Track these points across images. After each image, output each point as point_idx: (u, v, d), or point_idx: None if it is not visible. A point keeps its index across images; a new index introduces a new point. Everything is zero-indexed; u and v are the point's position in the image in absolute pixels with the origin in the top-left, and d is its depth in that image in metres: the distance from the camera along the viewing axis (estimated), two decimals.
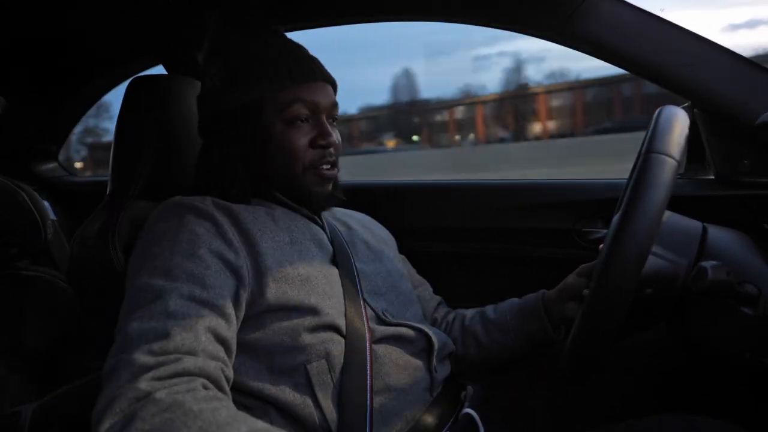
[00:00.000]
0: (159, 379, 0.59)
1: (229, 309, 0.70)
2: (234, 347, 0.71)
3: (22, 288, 1.24)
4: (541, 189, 1.26)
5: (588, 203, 1.19)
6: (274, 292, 0.74)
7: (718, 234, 0.74)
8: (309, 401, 0.72)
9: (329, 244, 0.87)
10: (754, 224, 0.88)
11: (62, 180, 1.78)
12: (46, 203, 1.34)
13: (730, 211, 0.96)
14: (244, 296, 0.73)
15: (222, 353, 0.67)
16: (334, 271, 0.83)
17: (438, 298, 1.08)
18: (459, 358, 0.97)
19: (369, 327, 0.79)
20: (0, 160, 1.62)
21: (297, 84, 0.84)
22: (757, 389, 0.96)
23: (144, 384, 0.58)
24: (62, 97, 1.61)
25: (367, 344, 0.77)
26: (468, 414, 0.82)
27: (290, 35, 0.94)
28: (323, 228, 0.89)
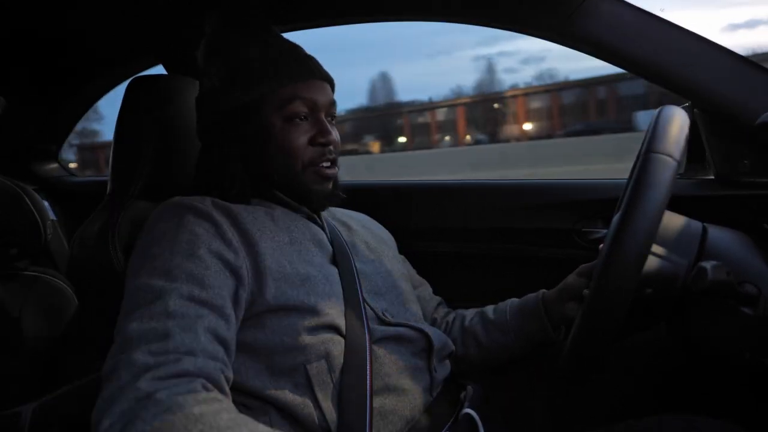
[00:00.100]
0: (159, 379, 0.59)
1: (229, 309, 0.70)
2: (234, 347, 0.70)
3: (22, 288, 1.24)
4: (541, 189, 1.26)
5: (588, 203, 1.19)
6: (273, 292, 0.74)
7: (718, 234, 0.74)
8: (309, 401, 0.72)
9: (329, 244, 0.87)
10: (754, 224, 0.88)
11: (62, 180, 1.78)
12: (46, 203, 1.34)
13: (730, 211, 0.96)
14: (244, 296, 0.73)
15: (221, 353, 0.67)
16: (334, 271, 0.83)
17: (438, 298, 1.08)
18: (459, 359, 0.97)
19: (369, 327, 0.79)
20: (0, 160, 1.62)
21: (296, 82, 0.84)
22: (757, 389, 0.96)
23: (144, 384, 0.58)
24: (62, 97, 1.61)
25: (367, 344, 0.77)
26: (468, 414, 0.82)
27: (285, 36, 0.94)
28: (323, 228, 0.89)
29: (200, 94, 0.90)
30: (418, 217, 1.33)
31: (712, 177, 1.06)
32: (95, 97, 1.66)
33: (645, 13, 0.97)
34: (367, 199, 1.12)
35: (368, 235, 0.98)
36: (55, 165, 1.81)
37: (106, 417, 0.57)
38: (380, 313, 0.84)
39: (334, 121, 0.89)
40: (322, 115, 0.86)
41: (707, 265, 0.65)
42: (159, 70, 1.45)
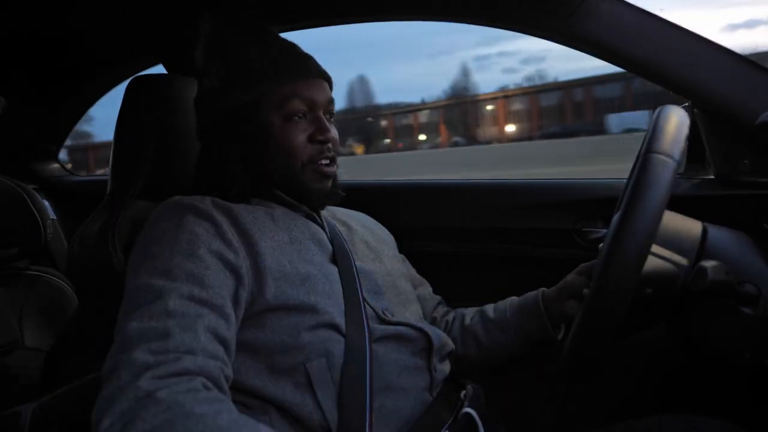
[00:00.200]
0: (159, 378, 0.59)
1: (229, 309, 0.70)
2: (233, 347, 0.70)
3: (23, 288, 1.24)
4: (541, 189, 1.26)
5: (588, 203, 1.19)
6: (273, 291, 0.74)
7: (718, 234, 0.74)
8: (309, 400, 0.72)
9: (329, 243, 0.87)
10: (754, 224, 0.88)
11: (62, 180, 1.78)
12: (46, 203, 1.34)
13: (730, 210, 0.96)
14: (244, 296, 0.73)
15: (221, 353, 0.67)
16: (334, 270, 0.83)
17: (437, 297, 1.08)
18: (459, 358, 0.97)
19: (369, 326, 0.79)
20: (0, 160, 1.62)
21: (295, 81, 0.85)
22: (757, 389, 0.96)
23: (144, 383, 0.58)
24: (62, 97, 1.61)
25: (367, 343, 0.77)
26: (468, 413, 0.82)
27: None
28: (323, 227, 0.89)
29: (199, 95, 0.90)
30: (415, 216, 1.33)
31: (712, 177, 1.06)
32: (95, 97, 1.66)
33: (645, 13, 0.97)
34: (364, 198, 1.12)
35: (368, 234, 0.98)
36: (55, 165, 1.81)
37: (106, 416, 0.57)
38: (380, 313, 0.84)
39: (332, 119, 0.90)
40: (321, 113, 0.86)
41: (707, 264, 0.65)
42: (159, 69, 1.45)
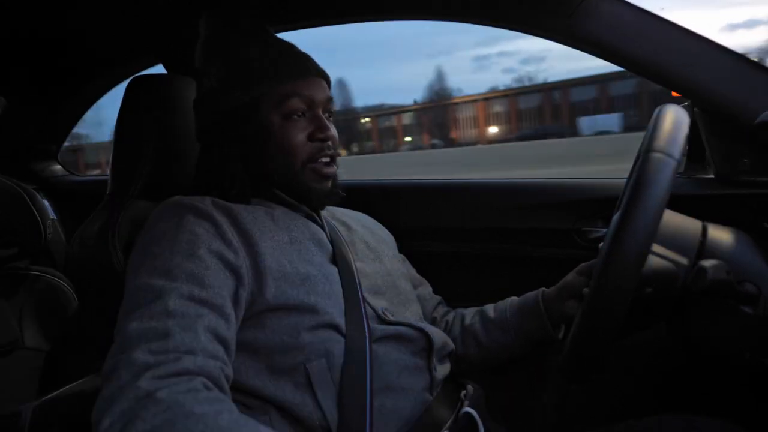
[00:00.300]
0: (159, 378, 0.59)
1: (229, 308, 0.70)
2: (234, 347, 0.70)
3: (22, 288, 1.24)
4: (541, 189, 1.25)
5: (588, 203, 1.19)
6: (273, 291, 0.74)
7: (718, 233, 0.74)
8: (309, 400, 0.72)
9: (329, 243, 0.87)
10: (754, 223, 0.88)
11: (62, 180, 1.78)
12: (46, 203, 1.34)
13: (730, 210, 0.96)
14: (244, 296, 0.73)
15: (221, 353, 0.67)
16: (334, 270, 0.83)
17: (437, 297, 1.08)
18: (459, 358, 0.97)
19: (369, 326, 0.79)
20: (0, 160, 1.62)
21: (295, 80, 0.85)
22: (757, 389, 0.96)
23: (144, 383, 0.58)
24: (62, 97, 1.61)
25: (367, 343, 0.77)
26: (468, 413, 0.82)
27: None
28: (322, 227, 0.89)
29: (199, 95, 0.90)
30: (415, 216, 1.33)
31: (712, 176, 1.06)
32: (95, 97, 1.66)
33: (645, 13, 0.97)
34: (364, 198, 1.12)
35: (368, 234, 0.98)
36: (55, 165, 1.81)
37: (106, 416, 0.57)
38: (380, 313, 0.84)
39: (331, 118, 0.90)
40: (320, 112, 0.87)
41: (707, 264, 0.65)
42: (159, 69, 1.45)
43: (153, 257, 0.72)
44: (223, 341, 0.68)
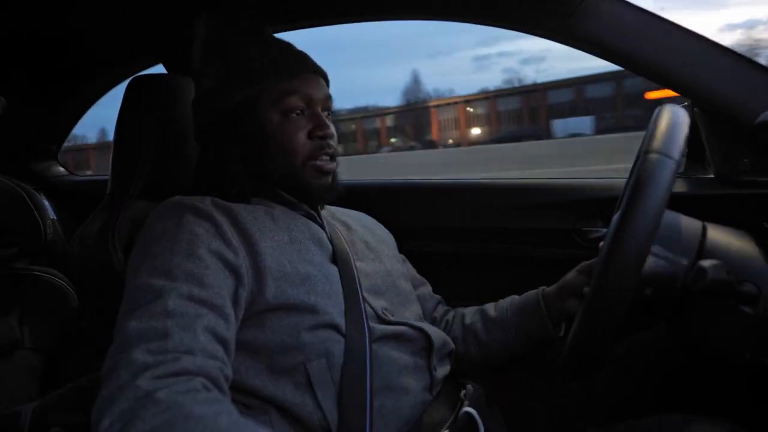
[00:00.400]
0: (158, 378, 0.59)
1: (228, 308, 0.70)
2: (233, 347, 0.70)
3: (22, 288, 1.24)
4: (541, 189, 1.25)
5: (588, 203, 1.19)
6: (273, 291, 0.74)
7: (717, 233, 0.74)
8: (309, 400, 0.72)
9: (329, 243, 0.87)
10: (754, 223, 0.88)
11: (62, 180, 1.78)
12: (46, 203, 1.34)
13: (730, 210, 0.96)
14: (244, 296, 0.73)
15: (221, 352, 0.67)
16: (334, 270, 0.83)
17: (437, 297, 1.08)
18: (459, 357, 0.97)
19: (368, 326, 0.79)
20: (0, 160, 1.62)
21: (293, 77, 0.85)
22: (757, 389, 0.96)
23: (143, 383, 0.58)
24: (62, 97, 1.61)
25: (367, 343, 0.77)
26: (468, 413, 0.82)
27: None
28: (322, 227, 0.89)
29: (197, 97, 0.91)
30: (415, 216, 1.33)
31: (712, 176, 1.06)
32: (95, 97, 1.66)
33: (645, 13, 0.97)
34: (364, 198, 1.12)
35: (368, 234, 0.98)
36: (55, 164, 1.81)
37: (105, 416, 0.57)
38: (380, 312, 0.84)
39: (330, 116, 0.90)
40: (319, 109, 0.87)
41: (707, 264, 0.65)
42: (159, 69, 1.45)
43: (153, 257, 0.72)
44: (222, 341, 0.68)
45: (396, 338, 0.82)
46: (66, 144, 1.86)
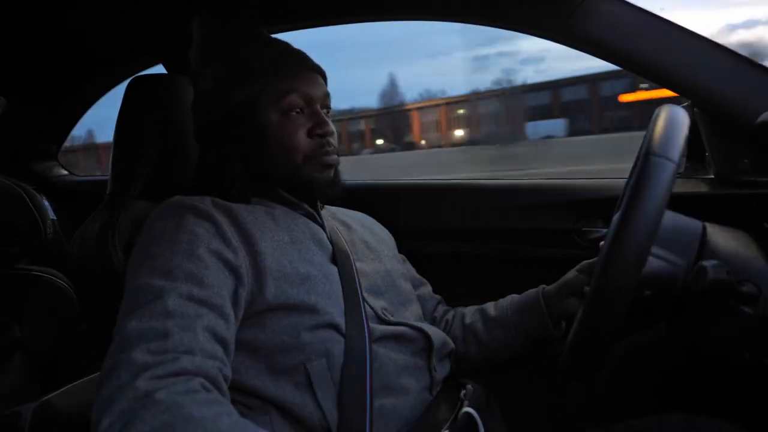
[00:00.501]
0: (157, 378, 0.59)
1: (228, 308, 0.70)
2: (233, 347, 0.70)
3: (22, 288, 1.24)
4: (541, 189, 1.25)
5: (588, 203, 1.19)
6: (273, 291, 0.74)
7: (718, 233, 0.74)
8: (309, 400, 0.72)
9: (329, 243, 0.87)
10: (754, 223, 0.88)
11: (62, 180, 1.79)
12: (46, 203, 1.34)
13: (730, 210, 0.96)
14: (244, 296, 0.73)
15: (220, 353, 0.67)
16: (334, 270, 0.83)
17: (437, 297, 1.08)
18: (459, 357, 0.97)
19: (368, 326, 0.79)
20: (0, 160, 1.62)
21: (292, 76, 0.85)
22: (757, 389, 0.96)
23: (143, 383, 0.58)
24: (62, 97, 1.61)
25: (367, 343, 0.77)
26: (468, 413, 0.82)
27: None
28: (323, 227, 0.89)
29: (196, 98, 0.91)
30: (415, 216, 1.33)
31: (712, 176, 1.06)
32: (95, 97, 1.66)
33: (645, 13, 0.97)
34: (364, 198, 1.12)
35: (368, 234, 0.98)
36: (55, 165, 1.81)
37: (105, 416, 0.57)
38: (380, 312, 0.84)
39: (329, 113, 0.90)
40: (318, 107, 0.87)
41: (707, 264, 0.65)
42: (159, 69, 1.45)
43: (153, 257, 0.72)
44: (222, 341, 0.68)
45: (396, 338, 0.82)
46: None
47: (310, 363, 0.73)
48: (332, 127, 0.87)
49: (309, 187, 0.87)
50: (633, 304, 0.62)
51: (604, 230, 1.16)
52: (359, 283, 0.84)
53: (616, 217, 0.72)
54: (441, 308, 1.06)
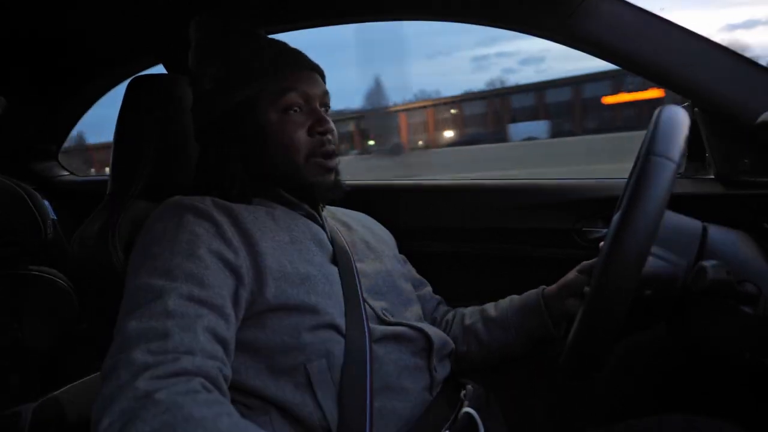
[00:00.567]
0: (157, 378, 0.59)
1: (228, 309, 0.70)
2: (233, 347, 0.70)
3: (22, 288, 1.24)
4: (541, 189, 1.25)
5: (588, 203, 1.19)
6: (274, 291, 0.74)
7: (718, 233, 0.74)
8: (309, 401, 0.72)
9: (329, 243, 0.87)
10: (754, 223, 0.88)
11: (62, 180, 1.79)
12: (46, 203, 1.34)
13: (730, 210, 0.96)
14: (244, 296, 0.73)
15: (220, 353, 0.67)
16: (334, 271, 0.83)
17: (438, 297, 1.08)
18: (459, 357, 0.97)
19: (369, 326, 0.79)
20: (0, 160, 1.62)
21: (291, 74, 0.85)
22: (757, 389, 0.96)
23: (143, 383, 0.58)
24: (62, 97, 1.61)
25: (367, 344, 0.77)
26: (468, 413, 0.82)
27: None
28: (323, 227, 0.89)
29: (196, 97, 0.91)
30: (415, 216, 1.33)
31: (712, 176, 1.06)
32: (95, 97, 1.66)
33: (645, 13, 0.97)
34: (364, 198, 1.12)
35: (368, 234, 0.98)
36: (55, 165, 1.81)
37: (105, 416, 0.57)
38: (380, 313, 0.84)
39: (328, 112, 0.90)
40: (317, 105, 0.87)
41: (707, 264, 0.65)
42: (159, 69, 1.45)
43: (153, 257, 0.72)
44: (222, 341, 0.68)
45: (396, 339, 0.82)
46: None
47: (310, 363, 0.73)
48: (332, 124, 0.87)
49: (310, 190, 0.87)
50: (633, 304, 0.62)
51: (604, 230, 1.16)
52: (360, 283, 0.84)
53: (616, 217, 0.72)
54: (441, 309, 1.06)
